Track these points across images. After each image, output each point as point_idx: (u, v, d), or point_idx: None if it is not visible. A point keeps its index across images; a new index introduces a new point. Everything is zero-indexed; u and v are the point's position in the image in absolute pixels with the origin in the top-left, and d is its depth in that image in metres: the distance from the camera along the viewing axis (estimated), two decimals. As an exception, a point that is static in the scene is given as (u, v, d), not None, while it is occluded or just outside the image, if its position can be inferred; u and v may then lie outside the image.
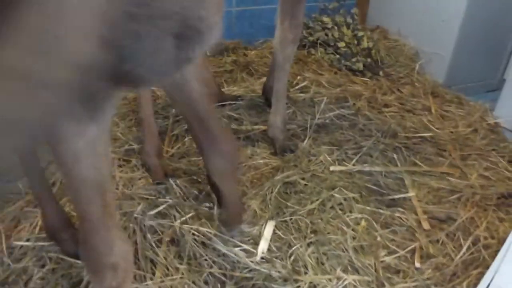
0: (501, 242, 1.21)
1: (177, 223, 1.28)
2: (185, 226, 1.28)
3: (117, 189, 1.45)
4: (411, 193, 1.46)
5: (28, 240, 1.23)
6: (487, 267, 1.15)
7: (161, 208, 1.32)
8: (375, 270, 1.19)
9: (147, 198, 1.38)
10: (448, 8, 2.18)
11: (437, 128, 1.81)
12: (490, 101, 2.20)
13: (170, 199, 1.38)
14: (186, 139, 1.74)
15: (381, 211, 1.39)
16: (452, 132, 1.81)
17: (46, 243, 1.21)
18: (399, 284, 1.16)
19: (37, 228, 1.27)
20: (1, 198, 1.37)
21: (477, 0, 2.10)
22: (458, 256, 1.22)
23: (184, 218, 1.30)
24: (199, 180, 1.52)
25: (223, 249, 1.23)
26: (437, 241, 1.31)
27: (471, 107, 2.00)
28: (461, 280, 1.17)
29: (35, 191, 1.19)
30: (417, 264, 1.23)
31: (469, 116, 1.91)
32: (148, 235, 1.23)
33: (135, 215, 1.30)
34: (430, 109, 1.95)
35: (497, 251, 1.19)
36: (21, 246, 1.21)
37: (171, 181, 1.46)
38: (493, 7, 2.17)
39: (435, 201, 1.44)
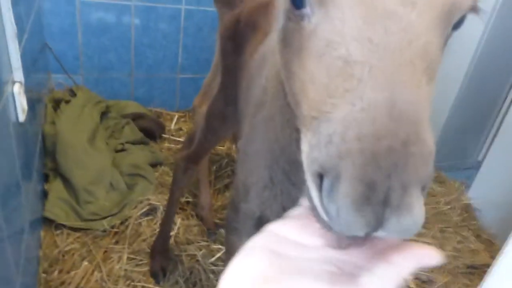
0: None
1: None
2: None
3: (178, 233, 1.87)
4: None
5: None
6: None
7: (218, 255, 1.74)
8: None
9: (205, 244, 1.81)
10: (440, 93, 2.70)
11: (423, 203, 2.29)
12: (465, 178, 2.72)
13: (223, 247, 1.80)
14: (227, 193, 2.18)
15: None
16: (434, 207, 2.29)
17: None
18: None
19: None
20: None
21: (468, 88, 2.59)
22: (435, 311, 1.68)
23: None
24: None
25: None
26: (420, 298, 1.76)
27: (450, 186, 2.49)
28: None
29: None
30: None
31: (448, 195, 2.40)
32: (211, 275, 1.65)
33: (198, 257, 1.72)
34: (419, 185, 2.44)
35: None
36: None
37: (221, 230, 1.89)
38: (480, 95, 2.67)
39: (419, 265, 1.90)
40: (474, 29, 2.40)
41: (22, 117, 1.41)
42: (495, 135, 2.71)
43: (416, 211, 0.31)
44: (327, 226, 0.35)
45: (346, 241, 0.35)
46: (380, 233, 0.33)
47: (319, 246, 0.39)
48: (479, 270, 1.88)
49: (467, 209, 2.34)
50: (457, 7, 0.40)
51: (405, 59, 0.35)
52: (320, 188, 0.35)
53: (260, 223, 0.96)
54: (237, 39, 1.21)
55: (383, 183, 0.30)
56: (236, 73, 1.19)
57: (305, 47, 0.43)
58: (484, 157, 2.71)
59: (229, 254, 1.04)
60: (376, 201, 0.30)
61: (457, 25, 0.43)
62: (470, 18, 0.45)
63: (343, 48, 0.37)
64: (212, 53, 2.75)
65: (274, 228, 0.41)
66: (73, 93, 2.25)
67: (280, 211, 0.86)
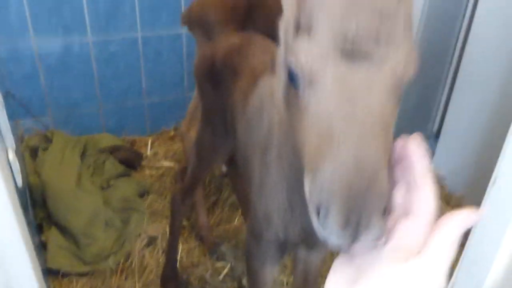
0: (452, 270, 1.88)
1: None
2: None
3: (182, 257, 1.96)
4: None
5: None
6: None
7: (225, 271, 1.85)
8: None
9: (210, 263, 1.91)
10: None
11: (396, 184, 2.50)
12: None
13: (226, 262, 1.92)
14: (216, 210, 2.28)
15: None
16: (406, 186, 2.50)
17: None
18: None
19: None
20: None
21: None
22: None
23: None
24: (238, 244, 2.07)
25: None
26: None
27: (416, 163, 2.72)
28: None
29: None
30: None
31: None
32: (223, 293, 1.76)
33: (207, 278, 1.83)
34: (388, 168, 2.65)
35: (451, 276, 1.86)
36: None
37: (222, 248, 2.00)
38: (427, 66, 2.91)
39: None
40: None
41: (20, 182, 1.44)
42: (446, 104, 2.96)
43: (377, 227, 0.47)
44: (325, 239, 0.51)
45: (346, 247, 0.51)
46: (358, 243, 0.49)
47: None
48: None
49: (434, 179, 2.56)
50: (405, 79, 0.55)
51: (367, 127, 0.50)
52: (318, 215, 0.51)
53: (283, 247, 1.08)
54: (215, 80, 1.31)
55: (356, 215, 0.47)
56: (220, 111, 1.30)
57: (302, 116, 0.57)
58: (440, 126, 2.96)
59: (254, 280, 1.16)
60: (353, 225, 0.47)
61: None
62: None
63: (326, 122, 0.51)
64: (173, 75, 2.84)
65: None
66: (48, 139, 2.26)
67: (302, 233, 0.99)
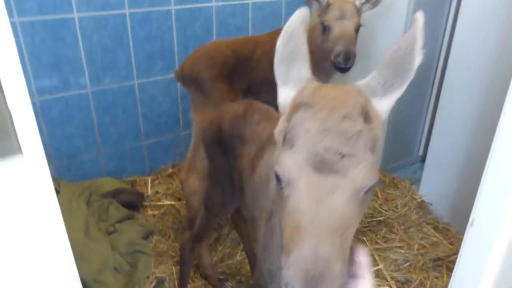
0: (441, 294, 2.03)
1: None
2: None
3: (189, 297, 2.08)
4: (381, 265, 2.26)
5: None
6: (435, 312, 1.95)
7: (232, 308, 1.98)
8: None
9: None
10: None
11: (385, 210, 2.65)
12: (413, 173, 3.15)
13: (232, 299, 2.04)
14: (219, 246, 2.40)
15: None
16: (395, 211, 2.66)
17: None
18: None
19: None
20: None
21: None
22: (418, 308, 2.02)
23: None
24: (242, 279, 2.19)
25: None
26: (403, 297, 2.10)
27: (403, 188, 2.88)
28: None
29: None
30: (395, 316, 2.01)
31: (403, 197, 2.78)
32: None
33: (215, 316, 1.94)
34: (377, 194, 2.80)
35: (439, 301, 2.00)
36: None
37: (226, 284, 2.12)
38: (410, 94, 3.09)
39: (396, 269, 2.24)
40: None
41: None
42: (430, 130, 3.13)
43: None
44: None
45: None
46: None
47: None
48: (445, 261, 2.26)
49: (421, 205, 2.73)
50: (365, 187, 0.69)
51: (327, 226, 0.64)
52: None
53: None
54: (223, 146, 1.45)
55: None
56: (228, 172, 1.44)
57: (283, 206, 0.71)
58: (425, 150, 3.13)
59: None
60: None
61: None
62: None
63: (298, 217, 0.66)
64: (169, 116, 2.98)
65: None
66: (56, 190, 2.37)
67: None
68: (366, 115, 0.69)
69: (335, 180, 0.65)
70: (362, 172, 0.66)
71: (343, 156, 0.65)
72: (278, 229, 1.09)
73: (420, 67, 0.76)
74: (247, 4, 2.93)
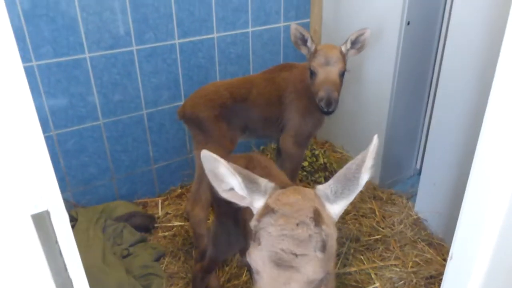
0: (431, 311, 2.18)
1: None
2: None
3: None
4: (377, 284, 2.41)
5: None
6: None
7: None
8: None
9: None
10: (373, 122, 3.19)
11: (382, 228, 2.81)
12: (410, 186, 3.29)
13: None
14: (226, 267, 2.58)
15: (362, 299, 2.32)
16: (392, 228, 2.81)
17: None
18: None
19: None
20: None
21: (395, 115, 3.11)
22: (410, 325, 2.18)
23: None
24: (247, 299, 2.36)
25: None
26: (397, 314, 2.25)
27: (400, 204, 3.03)
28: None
29: None
30: (389, 332, 2.17)
31: (399, 213, 2.93)
32: None
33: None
34: (375, 211, 2.95)
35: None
36: None
37: (232, 305, 2.29)
38: (407, 117, 3.22)
39: (391, 287, 2.40)
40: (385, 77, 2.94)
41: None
42: (425, 145, 3.26)
43: None
44: None
45: None
46: None
47: None
48: (437, 279, 2.41)
49: (417, 222, 2.87)
50: (316, 280, 0.85)
51: None
52: None
53: None
54: None
55: None
56: (233, 217, 1.60)
57: None
58: (422, 164, 3.25)
59: None
60: None
61: None
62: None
63: None
64: (176, 140, 3.16)
65: None
66: (73, 218, 2.57)
67: None
68: (318, 219, 0.86)
69: (290, 274, 0.83)
70: (312, 267, 0.83)
71: (296, 256, 0.83)
72: None
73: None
74: (247, 32, 3.09)
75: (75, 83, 2.57)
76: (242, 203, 0.97)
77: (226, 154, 1.81)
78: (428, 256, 2.60)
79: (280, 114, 2.35)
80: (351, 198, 0.92)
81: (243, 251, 2.21)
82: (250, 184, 0.94)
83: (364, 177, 0.91)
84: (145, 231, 2.82)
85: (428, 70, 3.14)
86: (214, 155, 0.93)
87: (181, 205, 3.12)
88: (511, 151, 0.96)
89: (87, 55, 2.54)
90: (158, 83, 2.86)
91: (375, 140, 0.90)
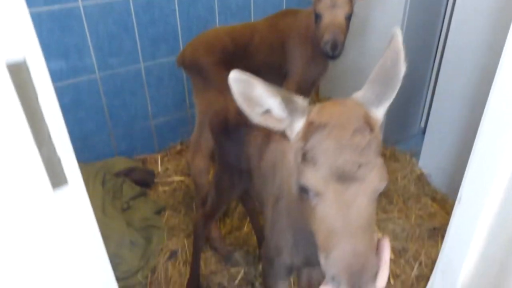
0: (434, 261, 2.17)
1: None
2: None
3: (201, 268, 2.25)
4: (380, 235, 2.39)
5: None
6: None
7: (240, 276, 2.14)
8: None
9: (226, 270, 2.20)
10: None
11: (385, 182, 2.76)
12: (414, 145, 3.23)
13: (240, 267, 2.20)
14: (227, 219, 2.56)
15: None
16: (394, 183, 2.77)
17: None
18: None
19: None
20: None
21: None
22: (412, 274, 2.17)
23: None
24: (249, 249, 2.35)
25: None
26: (399, 264, 2.24)
27: (403, 160, 2.98)
28: None
29: None
30: (391, 281, 2.16)
31: (403, 169, 2.88)
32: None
33: (225, 284, 2.12)
34: (378, 167, 2.91)
35: (433, 268, 2.14)
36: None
37: (235, 255, 2.28)
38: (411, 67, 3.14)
39: (394, 238, 2.38)
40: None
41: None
42: (431, 102, 3.19)
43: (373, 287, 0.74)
44: None
45: None
46: None
47: None
48: (441, 230, 2.39)
49: (421, 177, 2.83)
50: (380, 188, 0.79)
51: (359, 225, 0.75)
52: (333, 281, 0.76)
53: (290, 268, 1.36)
54: (229, 133, 1.56)
55: (358, 284, 0.72)
56: (236, 158, 1.55)
57: (312, 213, 0.81)
58: (426, 123, 3.20)
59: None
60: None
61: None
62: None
63: (331, 221, 0.76)
64: (174, 95, 3.08)
65: None
66: (71, 171, 2.52)
67: (304, 260, 1.28)
68: (370, 125, 0.80)
69: (357, 187, 0.76)
70: (377, 175, 0.77)
71: (360, 166, 0.76)
72: (284, 212, 1.22)
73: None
74: (248, -17, 2.97)
75: (68, 33, 2.48)
76: (279, 126, 0.89)
77: (228, 100, 1.74)
78: (432, 210, 2.57)
79: (283, 60, 2.27)
80: (393, 96, 0.88)
81: (246, 196, 2.19)
82: (290, 104, 0.86)
83: (402, 70, 0.86)
84: (144, 187, 2.79)
85: (437, 24, 3.03)
86: (247, 75, 0.85)
87: (181, 161, 3.07)
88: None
89: (80, 3, 2.44)
90: (156, 34, 2.76)
91: (398, 30, 0.84)
